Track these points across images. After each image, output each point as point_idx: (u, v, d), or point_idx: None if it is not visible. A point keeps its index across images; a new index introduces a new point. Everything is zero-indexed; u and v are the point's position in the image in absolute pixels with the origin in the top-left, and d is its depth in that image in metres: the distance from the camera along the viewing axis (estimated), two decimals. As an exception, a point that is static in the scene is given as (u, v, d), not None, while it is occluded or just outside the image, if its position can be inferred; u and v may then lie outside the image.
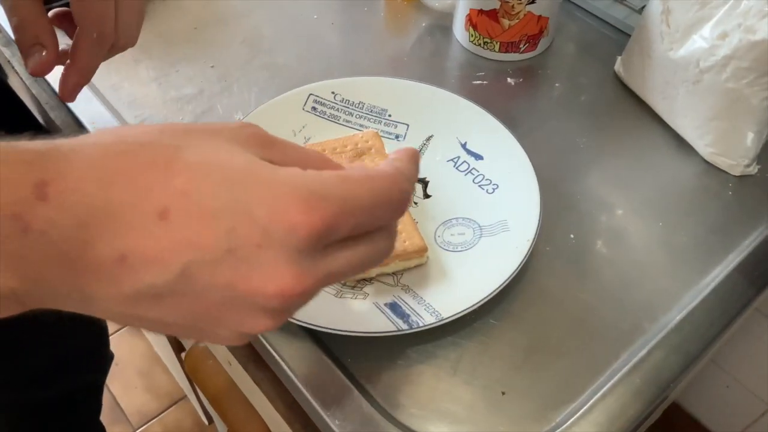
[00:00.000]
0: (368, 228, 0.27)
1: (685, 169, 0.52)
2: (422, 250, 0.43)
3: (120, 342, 1.40)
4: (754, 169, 0.52)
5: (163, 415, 1.31)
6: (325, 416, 0.39)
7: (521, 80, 0.59)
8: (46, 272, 0.23)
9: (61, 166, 0.22)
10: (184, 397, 1.32)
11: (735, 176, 0.52)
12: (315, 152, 0.28)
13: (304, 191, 0.24)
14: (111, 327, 1.42)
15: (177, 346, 0.89)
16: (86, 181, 0.22)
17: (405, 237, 0.44)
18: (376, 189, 0.26)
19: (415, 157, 0.29)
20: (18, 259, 0.22)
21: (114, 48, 0.41)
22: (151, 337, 1.25)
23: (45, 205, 0.22)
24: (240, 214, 0.23)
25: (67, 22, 0.41)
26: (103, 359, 0.85)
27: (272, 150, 0.26)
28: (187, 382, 1.05)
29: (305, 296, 0.26)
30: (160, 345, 1.11)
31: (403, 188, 0.27)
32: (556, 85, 0.59)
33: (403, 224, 0.45)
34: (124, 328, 1.42)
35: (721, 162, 0.52)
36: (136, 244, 0.23)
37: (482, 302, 0.41)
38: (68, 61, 0.40)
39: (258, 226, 0.23)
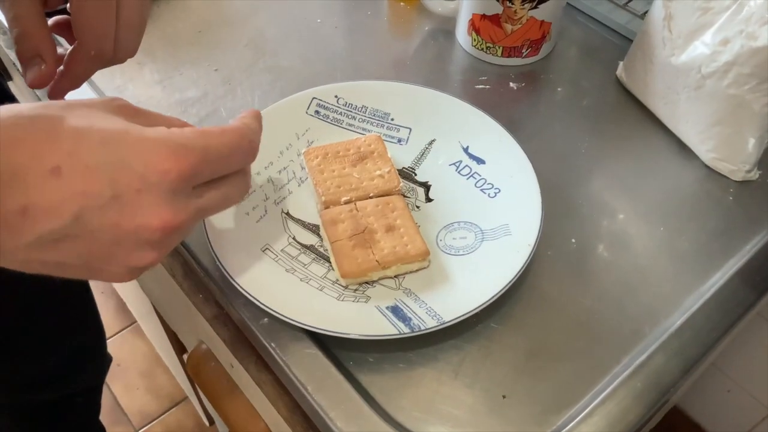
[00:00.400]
0: (227, 172, 0.34)
1: (686, 174, 0.53)
2: (424, 254, 0.44)
3: (122, 343, 1.41)
4: (755, 175, 0.52)
5: (164, 416, 1.32)
6: (327, 419, 0.39)
7: (524, 85, 0.59)
8: None
9: None
10: (186, 398, 1.33)
11: (736, 181, 0.52)
12: (176, 118, 0.35)
13: (171, 144, 0.30)
14: (112, 329, 1.42)
15: (179, 348, 0.89)
16: None
17: (407, 240, 0.44)
18: (231, 140, 0.33)
19: (258, 116, 0.36)
20: None
21: (112, 61, 0.41)
22: (153, 338, 1.25)
23: None
24: (120, 166, 0.29)
25: (67, 30, 0.41)
26: (102, 361, 0.85)
27: (139, 117, 0.32)
28: (188, 384, 1.06)
29: (182, 229, 0.31)
30: (162, 346, 1.11)
31: (252, 139, 0.35)
32: (559, 89, 0.59)
33: (405, 228, 0.45)
34: (126, 330, 1.43)
35: (723, 167, 0.52)
36: (35, 198, 0.27)
37: (484, 306, 0.41)
38: (62, 67, 0.40)
39: (136, 174, 0.29)
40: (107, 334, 1.40)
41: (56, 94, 0.42)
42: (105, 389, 1.33)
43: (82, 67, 0.40)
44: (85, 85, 0.58)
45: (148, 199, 0.29)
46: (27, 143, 0.27)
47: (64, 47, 0.41)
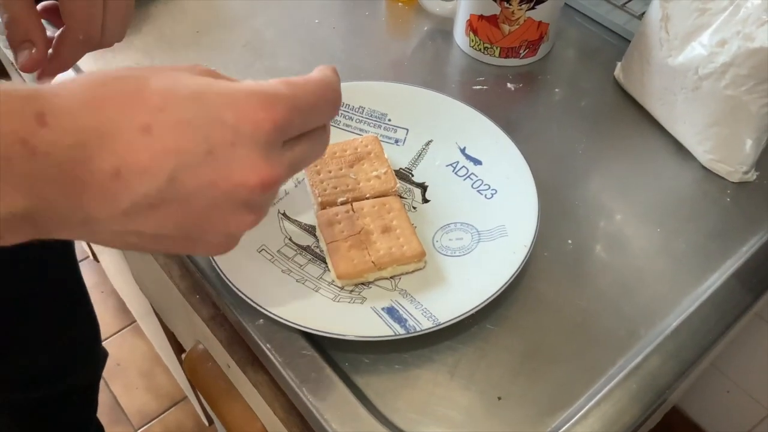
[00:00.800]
0: (316, 123, 0.32)
1: (683, 175, 0.53)
2: (420, 255, 0.44)
3: (121, 343, 1.41)
4: (752, 176, 0.52)
5: (163, 415, 1.32)
6: (322, 420, 0.39)
7: (521, 85, 0.59)
8: (52, 192, 0.25)
9: (53, 99, 0.25)
10: (185, 398, 1.33)
11: (733, 183, 0.52)
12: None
13: (261, 94, 0.28)
14: (112, 328, 1.42)
15: (177, 348, 0.89)
16: (77, 108, 0.26)
17: (403, 242, 0.44)
18: (316, 89, 0.31)
19: (335, 70, 0.35)
20: (27, 180, 0.25)
21: (99, 45, 0.42)
22: (152, 337, 1.25)
23: (46, 130, 0.25)
24: (211, 120, 0.27)
25: (55, 15, 0.41)
26: (97, 356, 0.85)
27: (221, 77, 0.31)
28: (187, 383, 1.06)
29: (278, 185, 0.30)
30: (161, 346, 1.12)
31: (335, 89, 0.33)
32: (556, 90, 0.59)
33: (401, 229, 0.45)
34: (126, 329, 1.43)
35: (720, 168, 0.52)
36: (126, 158, 0.26)
37: (479, 307, 0.41)
38: (51, 50, 0.41)
39: (229, 127, 0.27)
40: (107, 334, 1.41)
41: (45, 77, 0.42)
42: (104, 388, 1.34)
43: (71, 50, 0.41)
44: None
45: (242, 153, 0.28)
46: (114, 102, 0.26)
47: (53, 31, 0.41)
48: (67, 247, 0.75)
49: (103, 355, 0.86)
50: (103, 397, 1.32)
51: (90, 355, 0.83)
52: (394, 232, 0.45)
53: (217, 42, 0.63)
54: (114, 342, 1.41)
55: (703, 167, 0.53)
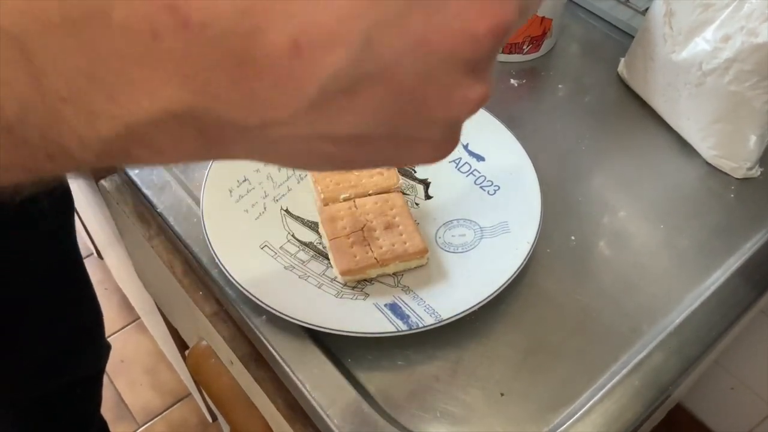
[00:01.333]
0: None
1: (687, 171, 0.52)
2: (423, 252, 0.44)
3: (126, 339, 1.41)
4: (756, 172, 0.52)
5: (167, 412, 1.32)
6: (324, 416, 0.39)
7: (524, 81, 0.59)
8: (215, 80, 0.19)
9: None
10: (189, 394, 1.33)
11: (737, 179, 0.52)
12: None
13: None
14: (116, 325, 1.43)
15: (180, 344, 0.90)
16: None
17: (406, 238, 0.44)
18: None
19: None
20: (182, 63, 0.18)
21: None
22: (156, 334, 1.25)
23: None
24: None
25: None
26: (101, 346, 0.85)
27: None
28: (191, 380, 1.06)
29: (512, 30, 0.20)
30: (165, 342, 1.12)
31: None
32: (559, 86, 0.59)
33: (403, 225, 0.45)
34: (130, 326, 1.43)
35: (724, 164, 0.52)
36: (305, 23, 0.18)
37: (482, 303, 0.41)
38: None
39: None
40: (111, 331, 1.41)
41: None
42: (108, 385, 1.34)
43: None
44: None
45: None
46: None
47: None
48: (67, 230, 0.75)
49: (106, 347, 0.87)
50: (107, 393, 1.33)
51: (93, 343, 0.83)
52: (396, 229, 0.45)
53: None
54: (118, 338, 1.42)
55: (707, 163, 0.53)
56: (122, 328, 1.43)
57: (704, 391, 1.06)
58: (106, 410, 0.97)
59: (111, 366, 1.31)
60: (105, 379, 1.33)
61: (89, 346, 0.82)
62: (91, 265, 1.51)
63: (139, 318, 1.43)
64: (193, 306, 0.53)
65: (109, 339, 1.39)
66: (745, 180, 0.52)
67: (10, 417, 0.79)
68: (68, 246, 0.75)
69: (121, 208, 0.58)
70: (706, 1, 0.48)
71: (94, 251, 1.43)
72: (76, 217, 0.87)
